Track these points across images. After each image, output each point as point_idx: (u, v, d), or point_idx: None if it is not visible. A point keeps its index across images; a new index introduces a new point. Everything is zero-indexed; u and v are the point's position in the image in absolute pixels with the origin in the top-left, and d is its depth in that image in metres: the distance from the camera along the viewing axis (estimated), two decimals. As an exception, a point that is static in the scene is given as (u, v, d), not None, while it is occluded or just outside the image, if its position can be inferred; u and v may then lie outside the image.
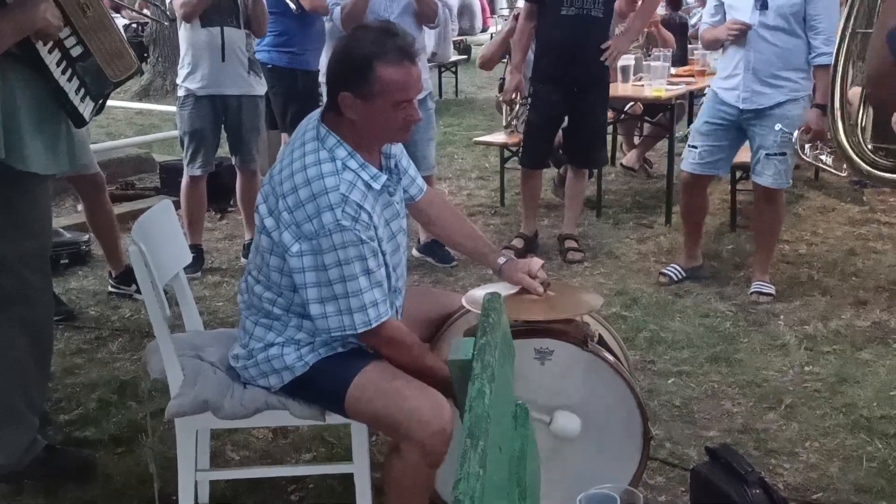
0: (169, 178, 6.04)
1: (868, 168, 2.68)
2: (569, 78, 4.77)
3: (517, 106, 5.46)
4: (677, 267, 4.54)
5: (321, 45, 5.08)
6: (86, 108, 2.88)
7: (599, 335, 2.48)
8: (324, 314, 2.16)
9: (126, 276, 4.42)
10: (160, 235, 2.45)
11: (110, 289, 4.48)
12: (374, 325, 2.18)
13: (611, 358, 2.38)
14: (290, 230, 2.14)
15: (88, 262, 4.95)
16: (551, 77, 4.82)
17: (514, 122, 5.62)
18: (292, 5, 4.52)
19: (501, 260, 2.54)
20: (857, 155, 2.68)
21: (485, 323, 1.47)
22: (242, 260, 4.99)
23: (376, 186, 2.22)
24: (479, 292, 2.56)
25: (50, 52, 2.70)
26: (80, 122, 2.87)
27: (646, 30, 7.04)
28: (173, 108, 8.41)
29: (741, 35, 4.04)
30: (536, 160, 5.09)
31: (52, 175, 2.81)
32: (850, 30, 2.59)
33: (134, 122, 9.79)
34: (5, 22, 2.51)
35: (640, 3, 5.21)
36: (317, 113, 2.30)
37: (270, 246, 2.21)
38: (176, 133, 5.05)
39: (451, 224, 2.65)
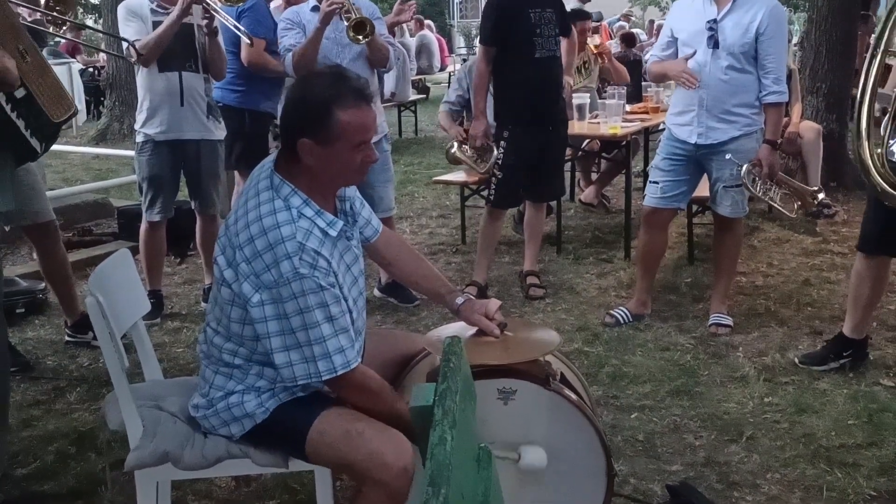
0: (127, 224, 5.98)
1: (885, 185, 2.91)
2: (545, 118, 4.86)
3: (487, 151, 5.38)
4: (625, 311, 4.57)
5: (275, 88, 5.12)
6: (36, 144, 2.90)
7: (561, 373, 2.49)
8: (289, 362, 2.16)
9: (82, 324, 4.36)
10: (118, 285, 2.43)
11: (67, 338, 4.41)
12: (339, 373, 2.17)
13: (573, 396, 2.39)
14: (250, 281, 2.14)
15: (45, 310, 4.88)
16: (528, 119, 4.84)
17: (489, 167, 5.59)
18: (247, 40, 4.53)
19: (459, 300, 2.55)
20: (878, 173, 2.89)
21: (445, 368, 1.48)
22: (202, 305, 4.95)
23: (333, 233, 2.22)
24: (437, 334, 2.58)
25: None
26: (33, 154, 2.88)
27: (600, 65, 7.20)
28: (130, 153, 8.38)
29: (690, 85, 4.11)
30: (509, 201, 5.13)
31: None
32: (881, 49, 2.72)
33: (91, 166, 9.72)
34: None
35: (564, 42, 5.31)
36: (269, 161, 2.30)
37: (231, 297, 2.20)
38: (133, 178, 5.02)
39: (408, 264, 2.66)
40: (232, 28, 4.43)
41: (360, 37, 4.22)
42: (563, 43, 5.12)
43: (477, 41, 20.77)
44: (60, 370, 4.13)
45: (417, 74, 14.51)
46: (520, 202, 5.54)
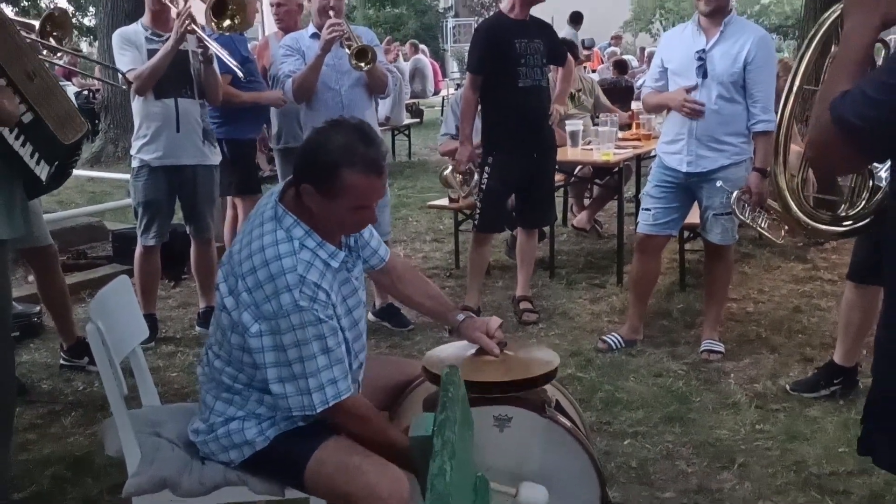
0: (122, 247, 6.00)
1: (806, 219, 2.77)
2: (528, 145, 4.90)
3: (472, 175, 5.51)
4: (618, 337, 4.60)
5: (256, 116, 5.15)
6: (42, 171, 2.91)
7: (557, 400, 2.52)
8: (284, 394, 2.19)
9: (78, 349, 4.38)
10: (118, 311, 2.46)
11: (62, 362, 4.43)
12: (331, 404, 2.20)
13: (568, 423, 2.42)
14: (250, 310, 2.17)
15: (40, 334, 4.89)
16: (512, 146, 4.90)
17: (470, 190, 5.70)
18: (240, 73, 4.57)
19: (460, 317, 2.59)
20: (797, 207, 2.77)
21: (444, 398, 1.51)
22: (197, 329, 4.97)
23: (334, 264, 2.25)
24: (438, 353, 2.60)
25: None
26: (38, 184, 2.89)
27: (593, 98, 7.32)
28: (125, 176, 8.41)
29: (696, 113, 4.15)
30: (493, 225, 5.17)
31: (7, 241, 2.80)
32: (796, 86, 2.67)
33: (85, 189, 9.73)
34: None
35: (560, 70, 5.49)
36: (276, 191, 2.34)
37: (231, 324, 2.23)
38: (128, 201, 5.04)
39: (412, 286, 2.70)
40: (225, 59, 4.45)
41: (363, 64, 4.28)
42: (559, 71, 5.21)
43: (469, 67, 20.78)
44: (56, 394, 4.14)
45: (411, 98, 14.63)
46: (505, 227, 5.60)
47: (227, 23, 4.43)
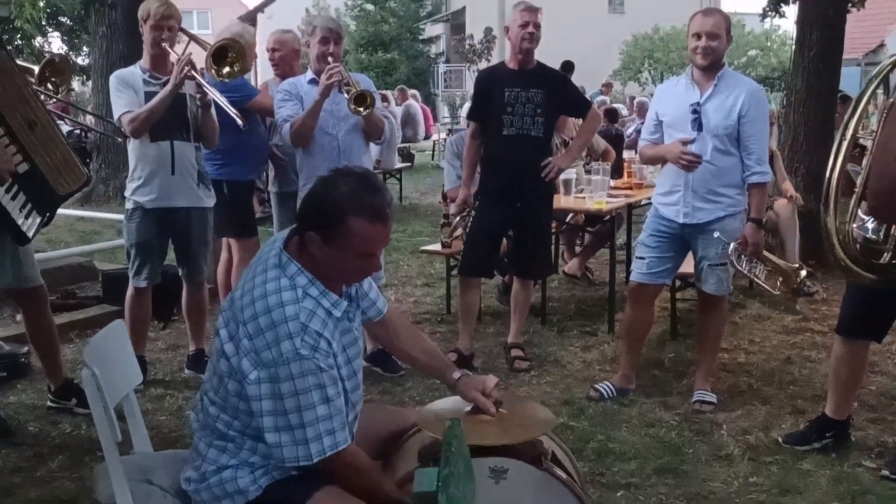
0: (112, 288, 5.97)
1: (849, 262, 3.09)
2: (511, 194, 4.92)
3: (457, 218, 5.63)
4: (610, 385, 4.60)
5: (253, 158, 5.17)
6: (31, 225, 2.90)
7: (553, 452, 2.51)
8: (279, 443, 2.17)
9: (65, 390, 4.34)
10: (112, 356, 2.44)
11: (50, 403, 4.37)
12: (328, 455, 2.18)
13: (564, 476, 2.40)
14: (250, 357, 2.15)
15: (27, 374, 4.83)
16: (494, 193, 4.97)
17: (451, 231, 5.75)
18: (240, 121, 4.58)
19: (456, 375, 2.58)
20: (842, 249, 3.07)
21: (446, 452, 1.50)
22: (186, 372, 4.93)
23: (337, 314, 2.25)
24: (432, 409, 2.59)
25: None
26: (23, 239, 2.87)
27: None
28: (115, 216, 8.40)
29: (693, 164, 4.16)
30: (473, 269, 5.16)
31: None
32: (850, 132, 3.01)
33: (75, 228, 9.70)
34: None
35: (581, 123, 5.41)
36: (280, 238, 2.34)
37: (229, 371, 2.22)
38: (118, 241, 5.02)
39: (409, 341, 2.70)
40: (223, 106, 4.46)
41: (362, 109, 4.31)
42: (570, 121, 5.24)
43: (461, 111, 21.18)
44: (42, 436, 4.08)
45: (403, 143, 14.73)
46: (494, 273, 5.61)
47: (226, 70, 4.46)
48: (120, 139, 4.38)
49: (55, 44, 24.24)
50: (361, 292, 2.50)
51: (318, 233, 2.20)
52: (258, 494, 2.26)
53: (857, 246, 3.24)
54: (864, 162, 3.43)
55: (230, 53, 4.46)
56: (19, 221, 2.77)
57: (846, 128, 3.08)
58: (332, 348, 2.21)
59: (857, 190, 3.18)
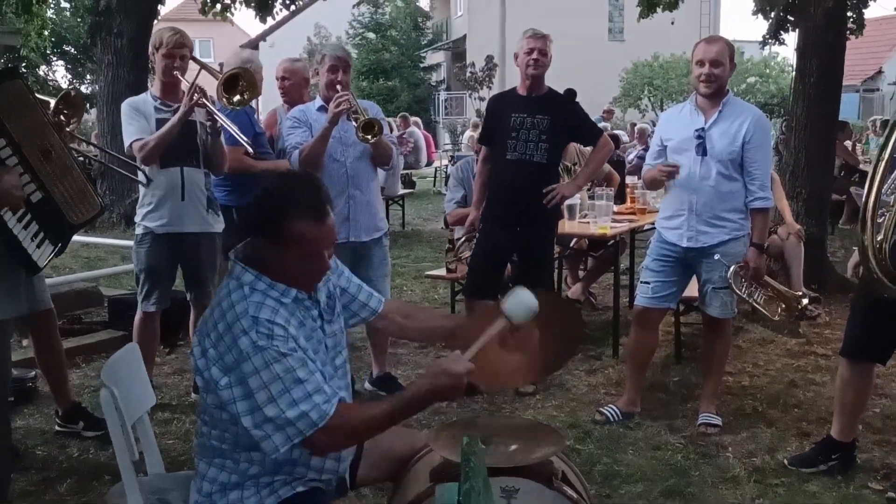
0: (118, 313, 6.01)
1: (882, 276, 3.32)
2: (512, 218, 4.97)
3: (463, 240, 5.72)
4: (615, 409, 4.61)
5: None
6: (42, 254, 2.92)
7: (563, 472, 2.53)
8: (266, 435, 2.17)
9: (73, 414, 4.36)
10: (128, 378, 2.47)
11: (57, 427, 4.39)
12: (320, 425, 2.17)
13: (574, 496, 2.42)
14: (218, 365, 2.20)
15: (35, 399, 4.85)
16: (496, 216, 5.04)
17: (465, 255, 5.80)
18: (249, 149, 4.63)
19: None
20: (876, 264, 3.31)
21: (465, 468, 1.53)
22: (193, 396, 4.95)
23: (286, 300, 2.27)
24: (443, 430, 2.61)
25: None
26: (34, 269, 2.90)
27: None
28: (119, 241, 8.43)
29: (671, 175, 4.28)
30: (478, 292, 5.18)
31: (9, 318, 2.82)
32: (887, 152, 3.25)
33: (79, 254, 9.73)
34: None
35: (589, 151, 5.39)
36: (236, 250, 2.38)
37: (205, 385, 2.27)
38: (123, 267, 5.04)
39: (422, 315, 2.79)
40: (234, 133, 4.52)
41: (370, 136, 4.36)
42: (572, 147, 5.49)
43: (462, 138, 21.26)
44: (50, 461, 4.10)
45: (405, 169, 14.81)
46: (490, 296, 5.62)
47: (237, 98, 4.51)
48: (144, 184, 4.40)
49: (59, 72, 24.46)
50: (347, 297, 2.53)
51: (263, 237, 2.25)
52: (269, 512, 2.28)
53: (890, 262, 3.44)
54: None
55: (241, 82, 4.52)
56: (30, 251, 2.80)
57: (883, 150, 3.30)
58: (290, 332, 2.21)
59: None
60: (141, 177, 4.35)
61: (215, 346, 2.19)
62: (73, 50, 23.13)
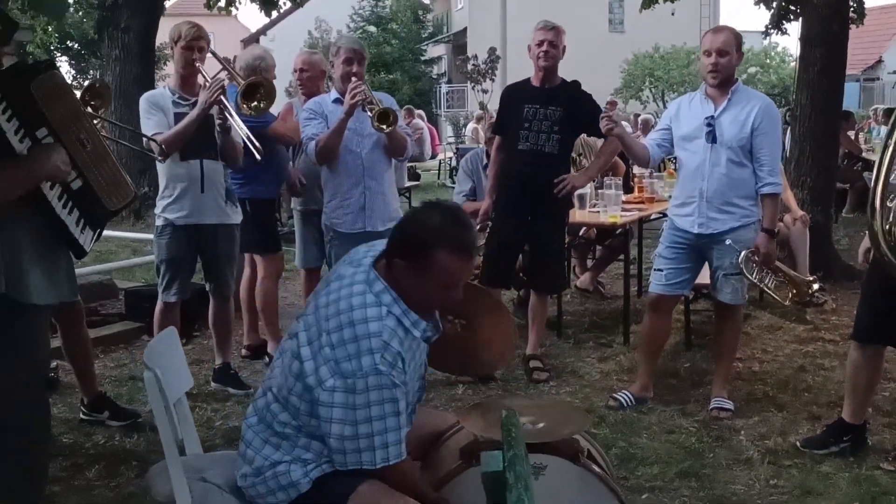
0: (135, 305, 6.09)
1: (890, 255, 3.42)
2: (522, 208, 5.05)
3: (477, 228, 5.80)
4: (629, 394, 4.69)
5: (272, 176, 5.27)
6: (85, 239, 3.01)
7: (588, 450, 2.61)
8: (342, 449, 2.29)
9: (98, 403, 4.44)
10: (169, 359, 2.55)
11: (82, 416, 4.47)
12: (392, 463, 2.31)
13: (600, 471, 2.51)
14: (329, 365, 2.27)
15: (56, 389, 4.93)
16: (507, 206, 5.13)
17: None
18: (258, 156, 4.67)
19: None
20: (885, 243, 3.41)
21: (508, 437, 1.61)
22: (212, 385, 5.02)
23: (416, 334, 2.38)
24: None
25: (52, 187, 2.84)
26: (81, 252, 2.99)
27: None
28: (130, 234, 8.50)
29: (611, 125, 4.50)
30: (494, 280, 5.28)
31: (50, 304, 2.89)
32: (893, 139, 3.35)
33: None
34: (20, 171, 2.65)
35: (600, 143, 5.50)
36: (369, 254, 2.46)
37: (300, 372, 2.33)
38: (135, 260, 5.09)
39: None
40: (243, 138, 4.60)
41: (385, 126, 4.44)
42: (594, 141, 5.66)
43: (465, 130, 21.26)
44: (77, 448, 4.18)
45: (410, 162, 14.87)
46: (505, 284, 5.71)
47: (254, 104, 4.59)
48: (160, 158, 4.48)
49: (63, 68, 24.51)
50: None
51: (404, 259, 2.34)
52: (308, 487, 2.37)
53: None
54: None
55: (260, 90, 4.61)
56: (76, 235, 2.88)
57: (890, 137, 3.39)
58: (407, 367, 2.33)
59: None
60: (155, 147, 4.41)
61: (333, 347, 2.27)
62: (77, 46, 23.18)
